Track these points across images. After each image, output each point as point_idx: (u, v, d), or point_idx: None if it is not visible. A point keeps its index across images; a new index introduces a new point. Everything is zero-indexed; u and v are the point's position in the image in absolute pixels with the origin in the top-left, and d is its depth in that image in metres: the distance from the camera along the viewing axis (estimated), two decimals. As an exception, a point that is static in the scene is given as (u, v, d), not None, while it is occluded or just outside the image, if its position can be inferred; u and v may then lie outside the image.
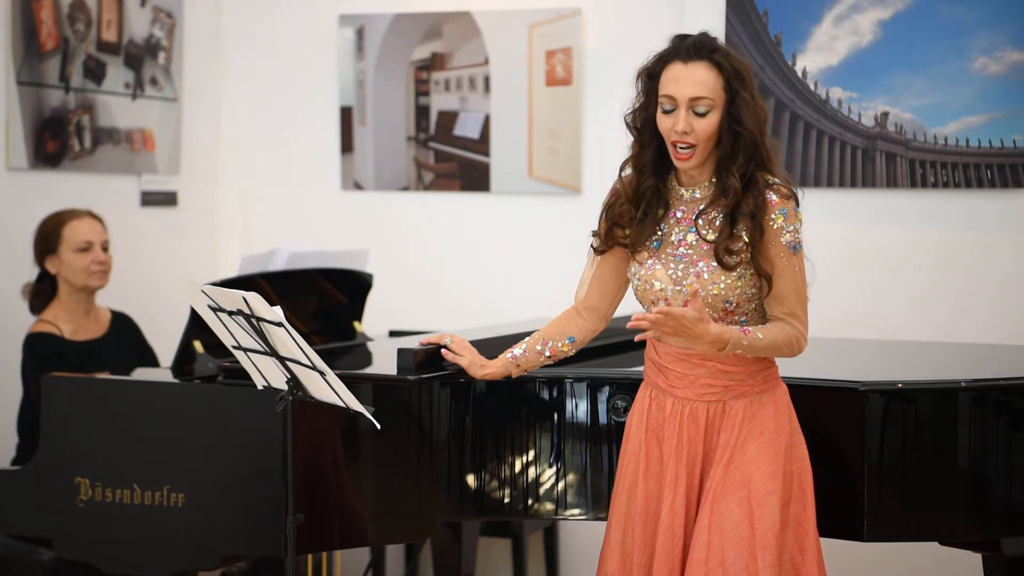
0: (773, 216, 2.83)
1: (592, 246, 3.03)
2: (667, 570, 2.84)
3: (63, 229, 4.13)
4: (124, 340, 4.25)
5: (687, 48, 2.85)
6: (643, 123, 2.92)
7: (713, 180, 2.89)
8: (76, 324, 4.14)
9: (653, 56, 2.90)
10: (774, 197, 2.84)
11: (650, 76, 2.89)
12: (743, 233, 2.83)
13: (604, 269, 3.05)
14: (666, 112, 2.85)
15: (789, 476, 2.88)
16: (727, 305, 2.84)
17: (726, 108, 2.83)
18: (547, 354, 3.13)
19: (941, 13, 4.46)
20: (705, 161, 2.88)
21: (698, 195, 2.90)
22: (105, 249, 4.18)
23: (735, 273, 2.83)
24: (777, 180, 2.86)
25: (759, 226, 2.82)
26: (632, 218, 2.92)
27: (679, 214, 2.91)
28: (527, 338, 3.16)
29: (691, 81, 2.82)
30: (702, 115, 2.83)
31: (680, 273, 2.87)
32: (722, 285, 2.83)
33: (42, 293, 4.16)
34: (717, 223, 2.86)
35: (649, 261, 2.91)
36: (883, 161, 4.55)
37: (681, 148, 2.84)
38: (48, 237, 4.14)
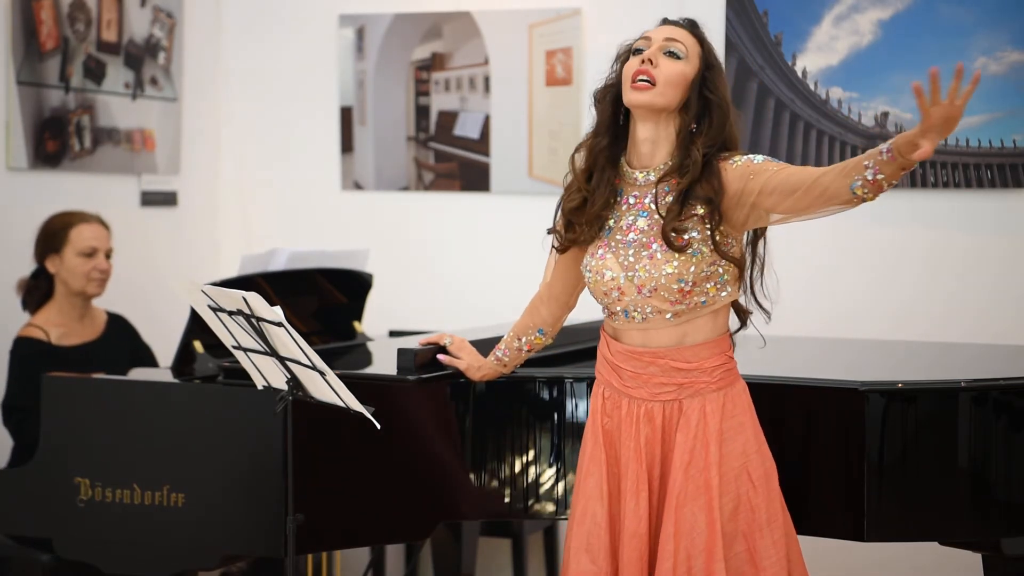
0: (733, 162, 2.74)
1: (553, 246, 2.97)
2: None
3: (70, 231, 4.10)
4: (119, 343, 4.23)
5: (668, 20, 2.88)
6: (611, 96, 2.86)
7: (668, 162, 2.80)
8: (69, 328, 4.12)
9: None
10: (723, 161, 2.75)
11: (628, 50, 2.86)
12: (698, 210, 2.74)
13: (564, 263, 3.01)
14: (636, 53, 2.81)
15: (757, 478, 2.79)
16: (682, 285, 2.75)
17: (700, 72, 2.79)
18: (525, 348, 3.14)
19: (941, 13, 4.46)
20: (659, 122, 2.79)
21: (652, 178, 2.81)
22: (108, 257, 4.17)
23: (688, 251, 2.74)
24: (724, 153, 2.78)
25: (717, 210, 2.73)
26: (583, 201, 2.84)
27: (631, 200, 2.83)
28: (504, 337, 3.17)
29: (670, 31, 2.83)
30: (673, 57, 2.78)
31: (632, 259, 2.79)
32: (675, 263, 2.74)
33: (36, 290, 4.14)
34: (667, 202, 2.77)
35: (600, 251, 2.84)
36: (883, 161, 4.55)
37: (640, 79, 2.76)
38: (54, 236, 4.12)
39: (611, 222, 2.84)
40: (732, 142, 2.81)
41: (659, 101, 2.77)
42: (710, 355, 2.81)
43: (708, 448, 2.75)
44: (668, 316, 2.78)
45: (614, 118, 2.85)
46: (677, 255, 2.74)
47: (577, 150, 2.91)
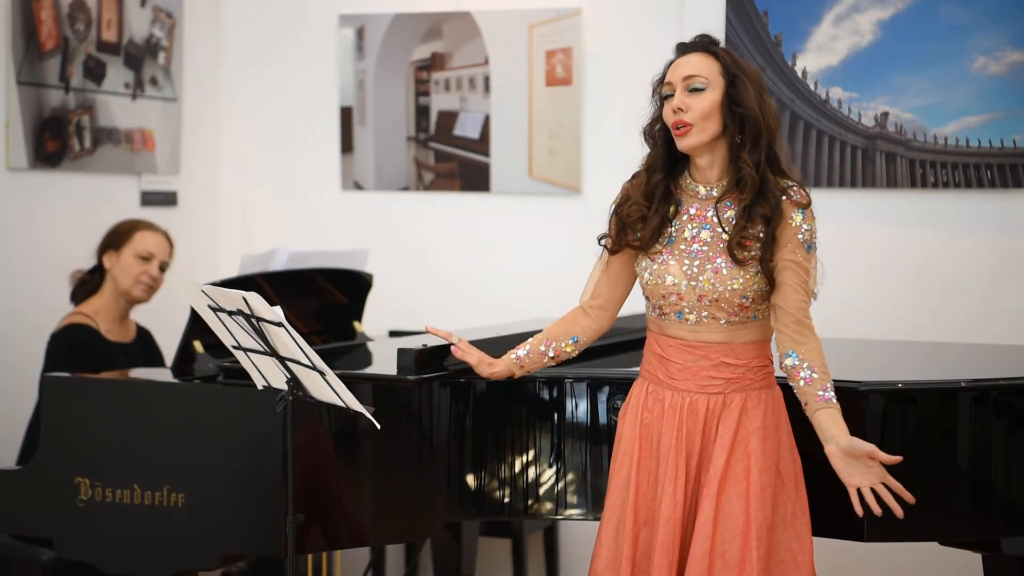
0: (792, 216, 2.87)
1: (605, 246, 3.05)
2: (668, 561, 2.86)
3: (135, 233, 4.26)
4: (147, 353, 4.29)
5: (684, 45, 2.97)
6: (657, 129, 2.99)
7: (727, 178, 2.93)
8: (109, 326, 4.21)
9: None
10: (790, 202, 2.88)
11: (660, 83, 2.97)
12: (758, 229, 2.87)
13: (614, 267, 3.07)
14: (667, 98, 2.93)
15: (787, 475, 2.92)
16: (743, 300, 2.88)
17: (725, 90, 2.89)
18: (551, 355, 3.13)
19: (941, 13, 4.46)
20: (712, 149, 2.91)
21: (715, 192, 2.93)
22: (162, 269, 4.26)
23: (752, 268, 2.87)
24: (793, 184, 2.90)
25: (772, 234, 2.86)
26: (642, 217, 2.96)
27: (692, 211, 2.94)
28: (531, 339, 3.16)
29: (685, 64, 2.92)
30: (696, 92, 2.89)
31: (695, 269, 2.90)
32: (741, 280, 2.87)
33: (88, 284, 4.25)
34: (730, 217, 2.89)
35: (662, 256, 2.94)
36: (883, 161, 4.55)
37: (679, 127, 2.89)
38: (118, 234, 4.26)
39: (673, 231, 2.95)
40: (778, 160, 2.91)
41: (704, 137, 2.90)
42: (756, 356, 2.94)
43: (749, 440, 2.90)
44: (721, 322, 2.92)
45: (668, 153, 2.98)
46: (742, 272, 2.87)
47: (634, 176, 3.03)
